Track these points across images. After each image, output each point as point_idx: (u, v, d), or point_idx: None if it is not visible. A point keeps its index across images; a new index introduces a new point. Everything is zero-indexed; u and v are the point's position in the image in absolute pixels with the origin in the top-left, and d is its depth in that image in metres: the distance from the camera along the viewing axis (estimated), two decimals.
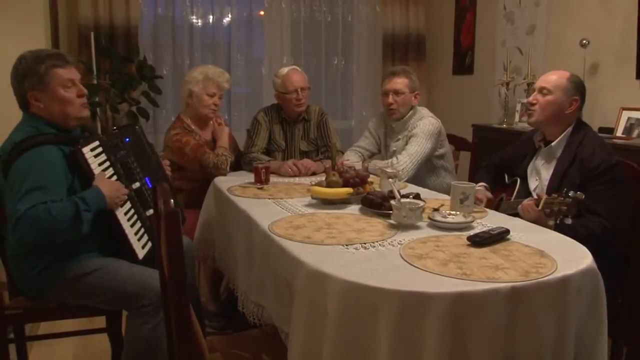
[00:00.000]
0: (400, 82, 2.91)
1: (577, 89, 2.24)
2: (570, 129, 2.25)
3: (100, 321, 2.27)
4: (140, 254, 2.03)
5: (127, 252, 2.01)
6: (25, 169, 1.83)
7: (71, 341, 2.65)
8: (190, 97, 2.92)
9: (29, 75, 1.92)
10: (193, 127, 2.95)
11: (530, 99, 2.31)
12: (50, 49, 2.08)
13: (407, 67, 3.25)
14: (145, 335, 1.91)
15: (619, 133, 3.12)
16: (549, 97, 2.24)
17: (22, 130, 1.94)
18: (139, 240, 2.04)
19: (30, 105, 1.96)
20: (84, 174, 1.95)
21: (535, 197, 2.10)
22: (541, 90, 2.27)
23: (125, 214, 2.03)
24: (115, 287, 1.94)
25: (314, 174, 2.85)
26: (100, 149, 2.02)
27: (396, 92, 2.90)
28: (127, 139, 2.20)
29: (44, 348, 2.62)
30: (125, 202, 2.03)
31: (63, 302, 2.01)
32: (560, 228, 1.88)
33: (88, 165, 1.95)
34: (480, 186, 2.41)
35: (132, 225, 2.04)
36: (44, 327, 2.69)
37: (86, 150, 1.96)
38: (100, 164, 2.00)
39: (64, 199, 1.85)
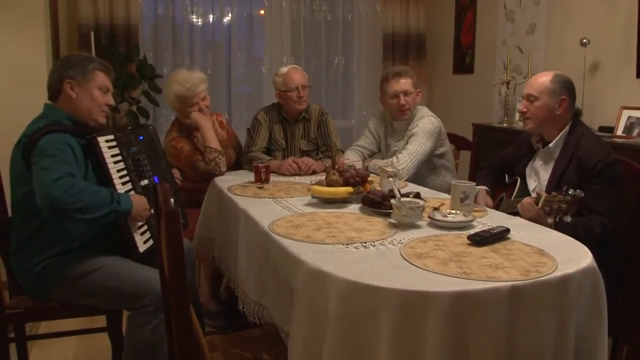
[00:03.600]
0: (407, 83, 2.92)
1: (563, 88, 2.23)
2: (567, 128, 2.25)
3: (101, 320, 2.27)
4: (141, 247, 2.05)
5: (128, 245, 2.02)
6: (54, 143, 1.89)
7: (72, 340, 2.65)
8: (179, 112, 2.91)
9: (77, 66, 2.05)
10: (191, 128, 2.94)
11: (521, 107, 2.32)
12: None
13: (405, 66, 3.23)
14: (146, 335, 1.91)
15: (619, 132, 3.12)
16: (537, 103, 2.25)
17: (42, 120, 2.00)
18: (141, 235, 2.06)
19: (61, 92, 2.03)
20: (98, 164, 1.99)
21: (535, 196, 2.10)
22: (529, 98, 2.28)
23: None
24: (117, 287, 1.95)
25: (314, 172, 2.85)
26: (114, 142, 2.07)
27: (406, 93, 2.91)
28: (141, 137, 2.25)
29: (45, 347, 2.62)
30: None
31: (64, 301, 2.02)
32: (559, 226, 1.88)
33: (102, 154, 2.00)
34: (482, 189, 2.41)
35: None
36: (45, 327, 2.70)
37: (101, 140, 2.02)
38: (112, 156, 2.04)
39: (101, 187, 1.93)
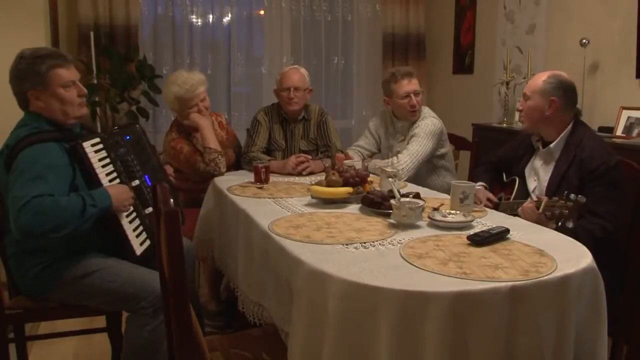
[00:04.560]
0: (416, 83, 2.93)
1: (555, 88, 2.22)
2: (568, 129, 2.24)
3: (100, 321, 2.27)
4: (138, 250, 2.03)
5: (125, 248, 2.01)
6: (30, 159, 1.84)
7: (71, 341, 2.65)
8: (178, 113, 2.91)
9: (30, 75, 1.94)
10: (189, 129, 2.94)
11: (519, 105, 2.35)
12: (50, 47, 2.07)
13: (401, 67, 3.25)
14: (145, 337, 1.91)
15: (618, 132, 3.12)
16: (529, 103, 2.27)
17: (24, 128, 1.95)
18: (137, 237, 2.05)
19: (30, 103, 1.97)
20: (85, 169, 1.96)
21: (535, 198, 2.09)
22: (524, 96, 2.31)
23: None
24: (115, 289, 1.94)
25: (312, 173, 2.85)
26: (100, 146, 2.03)
27: (416, 93, 2.91)
28: (128, 137, 2.21)
29: (44, 348, 2.62)
30: None
31: (63, 302, 2.01)
32: (560, 232, 1.87)
33: (88, 159, 1.96)
34: (480, 186, 2.41)
35: (130, 222, 2.04)
36: (44, 327, 2.69)
37: (87, 145, 1.98)
38: (100, 160, 2.01)
39: (71, 194, 1.86)
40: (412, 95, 2.89)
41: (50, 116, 1.98)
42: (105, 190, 1.93)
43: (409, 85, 2.90)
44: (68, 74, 1.99)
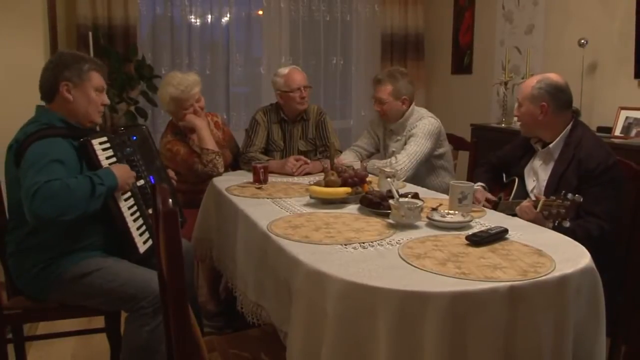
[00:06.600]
0: (382, 90, 2.90)
1: (544, 93, 2.22)
2: (567, 129, 2.24)
3: (99, 321, 2.27)
4: (142, 248, 2.04)
5: (128, 245, 2.02)
6: (39, 153, 1.87)
7: (70, 341, 2.65)
8: (174, 115, 2.90)
9: (71, 67, 2.02)
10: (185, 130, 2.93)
11: (515, 111, 2.38)
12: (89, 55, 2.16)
13: (396, 69, 3.01)
14: (144, 337, 1.91)
15: (617, 132, 3.12)
16: (522, 109, 2.30)
17: (34, 124, 1.97)
18: (140, 235, 2.06)
19: (57, 94, 2.01)
20: (92, 166, 1.98)
21: (533, 198, 2.10)
22: (517, 103, 2.33)
23: (129, 208, 2.05)
24: (115, 289, 1.94)
25: (308, 173, 2.85)
26: (107, 144, 2.06)
27: (380, 101, 2.91)
28: (134, 138, 2.25)
29: (43, 348, 2.62)
30: (129, 198, 2.07)
31: (62, 303, 2.01)
32: (558, 230, 1.88)
33: (96, 156, 1.98)
34: (478, 186, 2.42)
35: (134, 220, 2.05)
36: (43, 327, 2.69)
37: (95, 142, 2.00)
38: (107, 158, 2.03)
39: (78, 175, 1.90)
40: (376, 101, 2.95)
41: (70, 113, 2.03)
42: (109, 169, 1.97)
43: (375, 92, 2.96)
44: (102, 80, 2.10)
